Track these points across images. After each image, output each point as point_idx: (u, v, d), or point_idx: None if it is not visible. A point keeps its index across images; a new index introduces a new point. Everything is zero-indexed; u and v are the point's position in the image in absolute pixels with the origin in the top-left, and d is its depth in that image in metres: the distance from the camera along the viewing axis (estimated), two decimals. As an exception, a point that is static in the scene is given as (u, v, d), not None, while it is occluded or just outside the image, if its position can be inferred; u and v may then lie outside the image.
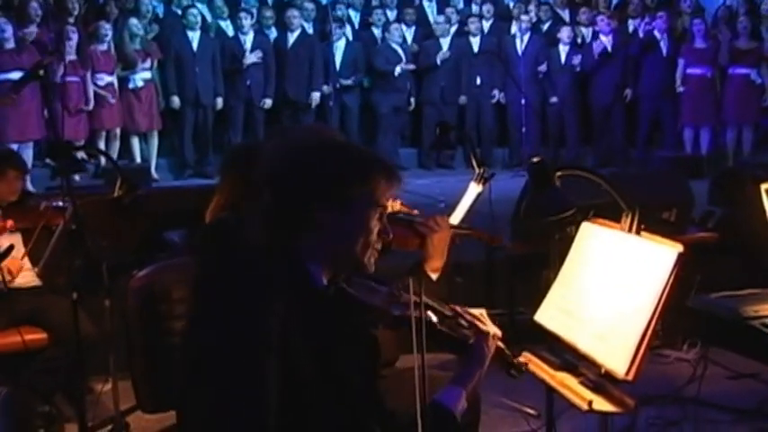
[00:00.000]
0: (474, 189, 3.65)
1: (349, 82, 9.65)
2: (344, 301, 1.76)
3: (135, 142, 8.95)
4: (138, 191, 3.63)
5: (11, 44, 7.92)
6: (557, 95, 9.98)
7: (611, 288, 2.14)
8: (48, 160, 8.21)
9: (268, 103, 9.38)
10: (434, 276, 2.72)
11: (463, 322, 1.91)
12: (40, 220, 3.89)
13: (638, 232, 2.13)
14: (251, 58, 9.16)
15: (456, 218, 3.60)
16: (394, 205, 4.01)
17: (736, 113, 9.63)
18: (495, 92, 10.04)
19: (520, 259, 4.75)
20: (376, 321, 1.79)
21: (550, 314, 2.36)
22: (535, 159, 2.18)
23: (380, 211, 1.77)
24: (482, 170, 3.69)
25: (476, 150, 3.72)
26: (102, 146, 8.65)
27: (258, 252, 1.72)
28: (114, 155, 8.75)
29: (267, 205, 1.73)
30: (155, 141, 9.05)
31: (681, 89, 9.66)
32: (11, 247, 3.79)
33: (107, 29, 8.56)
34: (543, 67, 9.85)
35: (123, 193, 3.60)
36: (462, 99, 10.01)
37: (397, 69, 9.68)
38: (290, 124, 9.56)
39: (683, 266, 1.98)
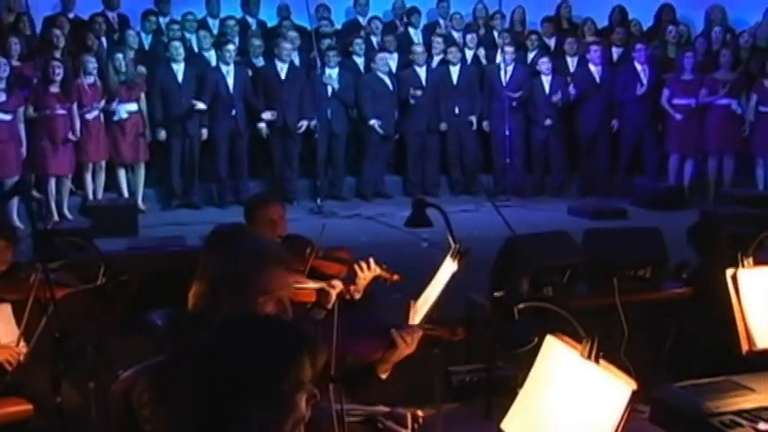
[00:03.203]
0: (449, 266, 3.68)
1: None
2: None
3: (121, 174, 9.00)
4: (120, 278, 3.67)
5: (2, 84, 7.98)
6: (541, 124, 10.05)
7: (568, 413, 2.22)
8: (34, 192, 8.28)
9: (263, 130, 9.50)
10: (384, 376, 2.88)
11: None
12: (29, 293, 3.76)
13: (596, 360, 2.20)
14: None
15: (431, 296, 3.66)
16: (370, 268, 4.09)
17: (717, 143, 9.74)
18: (473, 118, 10.08)
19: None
20: None
21: (516, 425, 2.44)
22: (497, 294, 2.26)
23: (309, 389, 1.73)
24: (458, 246, 3.73)
25: (450, 226, 3.77)
26: (88, 179, 8.70)
27: None
28: (100, 188, 8.83)
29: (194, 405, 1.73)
30: (141, 173, 9.10)
31: (676, 116, 9.71)
32: None
33: (93, 62, 8.61)
34: (517, 95, 9.91)
35: (106, 280, 3.64)
36: (443, 126, 10.07)
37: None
38: (279, 153, 9.61)
39: (635, 403, 2.07)
